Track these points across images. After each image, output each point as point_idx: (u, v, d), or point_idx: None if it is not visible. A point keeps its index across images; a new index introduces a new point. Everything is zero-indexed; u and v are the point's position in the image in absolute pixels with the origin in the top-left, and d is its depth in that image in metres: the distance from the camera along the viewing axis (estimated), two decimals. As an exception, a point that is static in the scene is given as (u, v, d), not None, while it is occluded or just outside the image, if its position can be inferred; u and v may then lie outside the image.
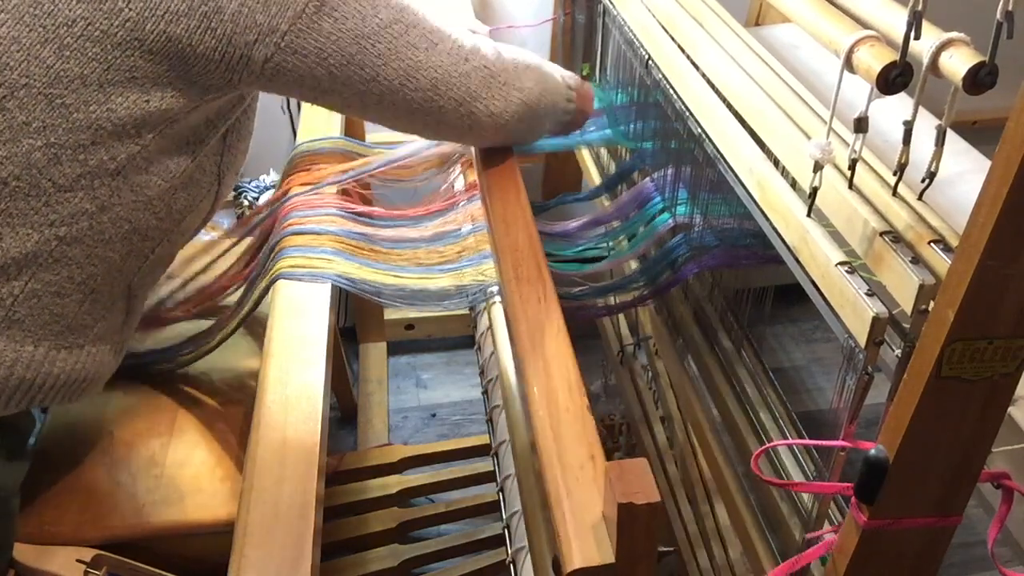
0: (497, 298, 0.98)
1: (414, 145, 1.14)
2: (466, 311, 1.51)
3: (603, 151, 1.32)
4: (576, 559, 0.54)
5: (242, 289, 0.99)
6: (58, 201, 0.68)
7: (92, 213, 0.70)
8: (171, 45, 0.68)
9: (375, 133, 1.44)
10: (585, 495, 0.58)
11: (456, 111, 0.83)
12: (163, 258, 0.82)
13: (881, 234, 0.62)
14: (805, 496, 0.78)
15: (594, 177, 1.29)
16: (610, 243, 1.12)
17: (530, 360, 0.70)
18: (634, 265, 1.13)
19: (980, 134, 0.89)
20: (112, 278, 0.75)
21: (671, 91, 0.95)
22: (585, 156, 1.36)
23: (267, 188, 1.52)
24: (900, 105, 0.66)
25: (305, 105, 1.28)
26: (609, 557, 0.54)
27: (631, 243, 1.08)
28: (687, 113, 0.92)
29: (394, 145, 1.20)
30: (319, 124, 1.22)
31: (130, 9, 0.66)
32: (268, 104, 1.58)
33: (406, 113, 0.82)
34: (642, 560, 0.54)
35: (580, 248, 1.06)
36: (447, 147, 1.13)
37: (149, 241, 0.77)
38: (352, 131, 1.37)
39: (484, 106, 0.84)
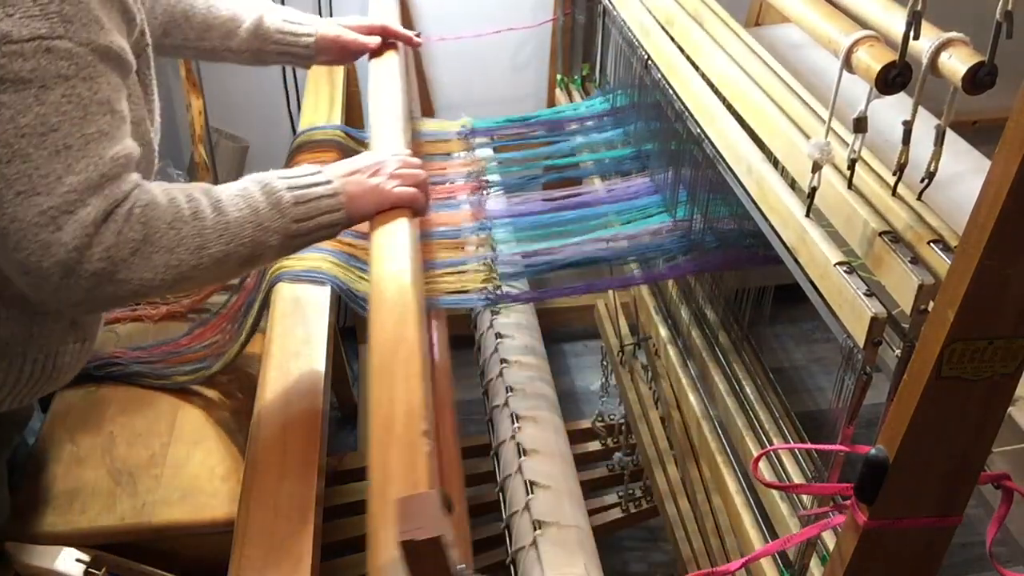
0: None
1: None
2: (466, 311, 1.51)
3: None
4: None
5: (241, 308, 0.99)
6: None
7: None
8: None
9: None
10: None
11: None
12: None
13: (880, 234, 0.61)
14: (805, 495, 0.78)
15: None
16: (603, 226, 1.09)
17: (376, 382, 0.63)
18: (634, 267, 1.13)
19: (980, 134, 0.89)
20: None
21: (671, 91, 0.95)
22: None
23: (267, 188, 1.52)
24: (900, 105, 0.66)
25: (305, 104, 1.27)
26: (404, 596, 0.50)
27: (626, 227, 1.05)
28: (687, 113, 0.92)
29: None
30: (319, 120, 1.21)
31: None
32: (269, 104, 1.58)
33: None
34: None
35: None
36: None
37: None
38: (352, 123, 1.37)
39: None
